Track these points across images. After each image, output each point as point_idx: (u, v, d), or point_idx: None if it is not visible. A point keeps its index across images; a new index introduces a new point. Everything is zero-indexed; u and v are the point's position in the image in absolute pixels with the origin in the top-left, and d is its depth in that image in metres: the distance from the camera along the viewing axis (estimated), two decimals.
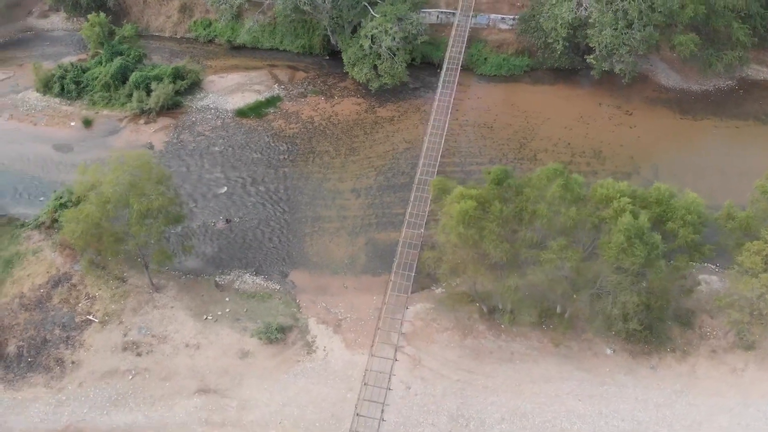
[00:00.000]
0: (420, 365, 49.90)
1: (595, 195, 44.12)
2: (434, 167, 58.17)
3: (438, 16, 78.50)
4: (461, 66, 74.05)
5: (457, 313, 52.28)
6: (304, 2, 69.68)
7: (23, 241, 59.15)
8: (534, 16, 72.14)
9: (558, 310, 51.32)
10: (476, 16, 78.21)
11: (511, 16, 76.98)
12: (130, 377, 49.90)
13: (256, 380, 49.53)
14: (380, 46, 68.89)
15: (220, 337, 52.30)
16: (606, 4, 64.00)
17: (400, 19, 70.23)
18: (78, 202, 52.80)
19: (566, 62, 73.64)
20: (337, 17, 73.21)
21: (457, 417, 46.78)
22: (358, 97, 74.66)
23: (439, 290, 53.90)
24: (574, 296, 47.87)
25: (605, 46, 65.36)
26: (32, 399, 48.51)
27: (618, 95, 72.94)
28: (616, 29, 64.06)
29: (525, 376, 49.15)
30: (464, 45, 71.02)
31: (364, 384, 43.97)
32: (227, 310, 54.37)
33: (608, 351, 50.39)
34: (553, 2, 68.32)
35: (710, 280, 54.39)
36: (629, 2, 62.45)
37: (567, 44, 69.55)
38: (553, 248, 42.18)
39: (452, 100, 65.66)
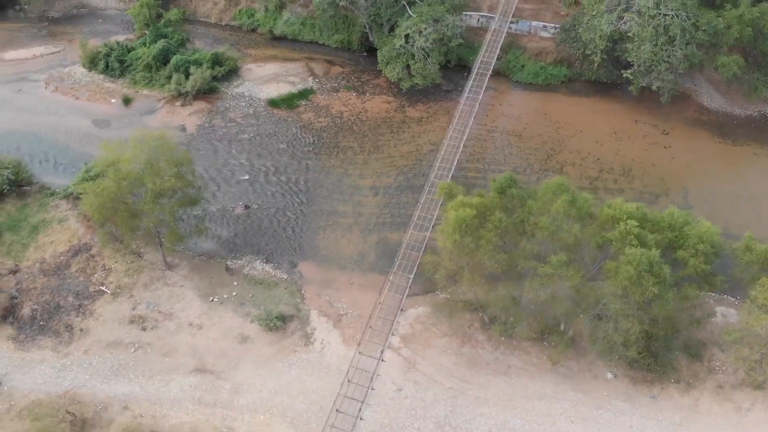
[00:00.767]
0: (414, 368, 49.63)
1: (602, 214, 42.79)
2: (449, 171, 57.66)
3: (479, 20, 77.65)
4: (496, 72, 73.37)
5: (458, 320, 51.73)
6: None
7: (51, 210, 61.67)
8: (575, 26, 70.53)
9: (561, 327, 50.17)
10: (517, 22, 77.10)
11: (553, 25, 75.54)
12: (133, 350, 51.40)
13: (252, 365, 50.27)
14: (413, 46, 68.66)
15: (223, 320, 53.30)
16: (648, 18, 61.97)
17: (436, 21, 69.86)
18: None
19: (604, 75, 71.74)
20: (375, 15, 73.37)
21: (444, 425, 46.32)
22: (389, 96, 74.68)
23: (442, 295, 53.47)
24: (580, 315, 46.76)
25: (643, 61, 63.36)
26: (39, 361, 50.57)
27: (656, 113, 70.65)
28: (656, 45, 61.97)
29: (519, 390, 48.26)
30: (498, 50, 70.04)
31: (348, 381, 44.02)
32: (234, 294, 55.36)
33: (609, 375, 48.95)
34: (594, 13, 66.60)
35: (728, 313, 52.11)
36: (671, 18, 60.31)
37: (605, 57, 67.72)
38: (552, 263, 41.21)
39: (477, 105, 64.82)
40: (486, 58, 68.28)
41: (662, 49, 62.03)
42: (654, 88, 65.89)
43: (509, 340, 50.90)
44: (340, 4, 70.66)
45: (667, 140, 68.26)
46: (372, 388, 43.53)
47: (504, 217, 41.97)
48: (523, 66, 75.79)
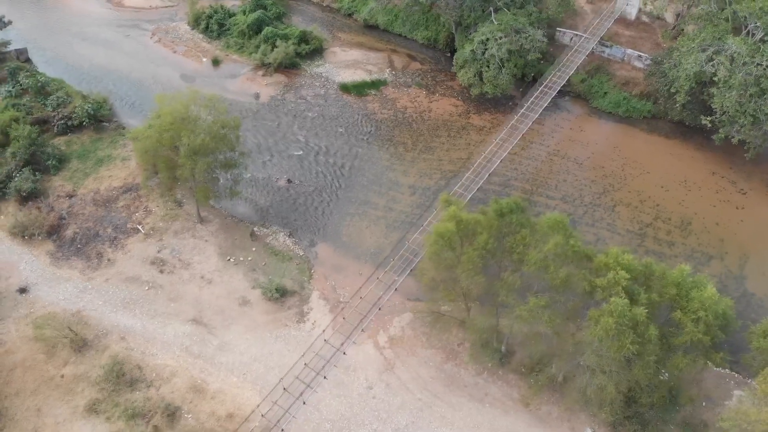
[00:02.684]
0: (391, 371, 49.24)
1: (596, 261, 39.79)
2: (476, 184, 56.03)
3: (572, 39, 74.39)
4: (577, 94, 70.38)
5: (448, 335, 50.59)
6: None
7: (119, 147, 67.19)
8: (664, 60, 65.64)
9: (553, 368, 47.55)
10: (611, 47, 73.08)
11: (649, 56, 70.73)
12: (146, 288, 55.09)
13: (243, 329, 52.22)
14: (485, 53, 67.16)
15: (232, 280, 55.68)
16: (740, 65, 56.38)
17: (517, 32, 67.74)
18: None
19: (688, 118, 66.21)
20: (460, 16, 72.46)
21: None
22: (457, 100, 73.67)
23: (444, 307, 52.38)
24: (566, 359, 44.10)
25: (727, 110, 57.83)
26: (66, 279, 55.61)
27: (738, 169, 64.31)
28: (743, 95, 56.30)
29: (488, 421, 46.42)
30: (572, 71, 66.79)
31: (305, 364, 44.57)
32: (249, 258, 57.61)
33: (588, 430, 45.84)
34: (684, 50, 61.53)
35: (745, 398, 46.83)
36: (765, 69, 54.46)
37: (690, 99, 62.47)
38: (530, 304, 39.05)
39: (529, 124, 62.25)
40: (556, 77, 65.35)
41: (750, 101, 56.20)
42: (735, 141, 59.99)
43: (496, 368, 49.06)
44: (427, 1, 70.31)
45: (741, 200, 62.00)
46: (325, 377, 43.76)
47: (492, 240, 40.19)
48: (605, 93, 71.75)
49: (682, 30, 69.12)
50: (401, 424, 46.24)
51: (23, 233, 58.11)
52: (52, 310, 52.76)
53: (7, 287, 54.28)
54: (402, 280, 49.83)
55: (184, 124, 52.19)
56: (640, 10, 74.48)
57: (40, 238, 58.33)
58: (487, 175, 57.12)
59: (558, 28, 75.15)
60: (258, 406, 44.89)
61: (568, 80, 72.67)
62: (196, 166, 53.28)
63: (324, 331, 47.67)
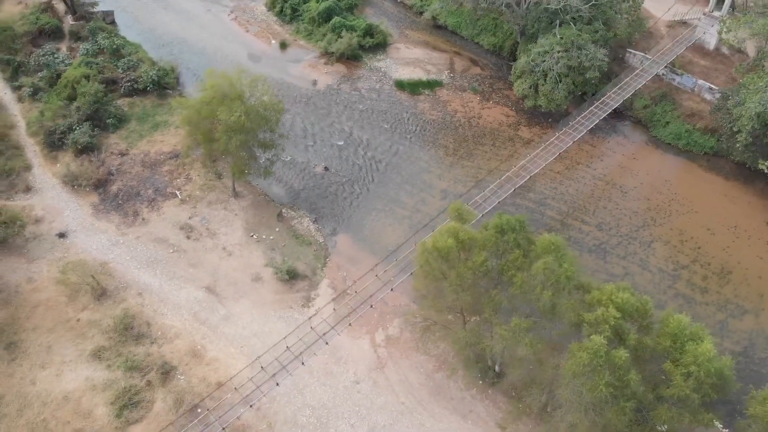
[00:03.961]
0: (380, 370, 49.35)
1: (590, 295, 38.07)
2: (498, 197, 54.73)
3: (642, 61, 71.06)
4: (637, 120, 67.62)
5: (446, 345, 50.01)
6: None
7: (175, 115, 70.33)
8: (731, 96, 61.53)
9: (543, 397, 46.09)
10: (682, 76, 69.29)
11: (720, 90, 66.49)
12: (171, 251, 57.77)
13: (250, 304, 53.80)
14: (540, 66, 65.42)
15: (251, 256, 57.43)
16: None
17: (579, 48, 65.45)
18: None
19: (750, 160, 61.80)
20: (524, 25, 70.85)
21: None
22: (510, 109, 72.20)
23: (450, 316, 51.83)
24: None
25: None
26: (102, 231, 59.21)
27: None
28: None
29: None
30: (629, 95, 63.87)
31: (286, 347, 45.39)
32: (271, 237, 59.19)
33: None
34: (751, 88, 57.43)
35: None
36: None
37: (752, 140, 58.32)
38: (511, 325, 37.96)
39: (570, 143, 60.05)
40: (609, 99, 62.65)
41: None
42: None
43: (487, 387, 48.13)
44: (491, 6, 69.20)
45: None
46: (303, 363, 44.43)
47: (488, 261, 39.28)
48: (668, 123, 68.14)
49: (762, 66, 64.50)
50: (378, 424, 46.31)
51: (73, 183, 62.34)
52: (83, 258, 56.30)
53: (48, 230, 58.49)
54: (399, 282, 49.63)
55: (225, 100, 54.09)
56: (720, 40, 70.04)
57: (87, 189, 62.37)
58: (513, 189, 55.73)
59: (629, 50, 72.01)
60: (231, 378, 46.23)
61: (631, 105, 69.86)
62: (230, 141, 55.22)
63: (310, 318, 48.33)
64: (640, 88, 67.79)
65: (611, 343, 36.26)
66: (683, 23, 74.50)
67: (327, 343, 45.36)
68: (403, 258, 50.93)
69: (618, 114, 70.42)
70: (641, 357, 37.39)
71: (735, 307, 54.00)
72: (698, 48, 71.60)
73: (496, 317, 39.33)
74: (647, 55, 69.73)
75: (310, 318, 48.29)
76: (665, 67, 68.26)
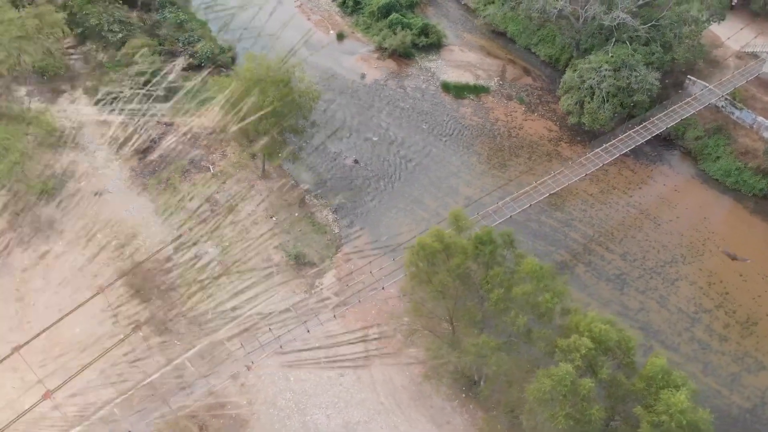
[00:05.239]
0: (366, 368, 49.43)
1: (570, 322, 36.61)
2: (511, 210, 53.42)
3: (700, 89, 67.39)
4: (687, 151, 64.68)
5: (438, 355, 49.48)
6: (556, 8, 66.40)
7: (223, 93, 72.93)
8: None
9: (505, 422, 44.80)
10: (741, 111, 65.30)
11: None
12: (194, 222, 60.04)
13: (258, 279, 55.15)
14: (585, 82, 63.31)
15: (266, 236, 58.79)
16: None
17: (630, 68, 62.78)
18: None
19: None
20: (578, 40, 68.70)
21: (349, 429, 45.96)
22: (554, 124, 70.28)
23: (445, 324, 51.25)
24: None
25: None
26: (135, 194, 62.07)
27: None
28: None
29: None
30: (673, 123, 60.81)
31: (268, 327, 46.17)
32: (290, 222, 60.37)
33: None
34: None
35: None
36: None
37: None
38: (481, 341, 37.05)
39: (599, 165, 57.78)
40: (652, 124, 59.78)
41: None
42: None
43: (469, 401, 47.32)
44: (543, 15, 67.47)
45: None
46: (281, 347, 45.12)
47: (464, 266, 38.53)
48: (718, 158, 64.36)
49: None
50: (353, 419, 46.50)
51: (118, 147, 65.84)
52: (111, 217, 59.53)
53: (87, 187, 62.06)
54: (393, 282, 49.53)
55: (260, 84, 55.51)
56: None
57: (129, 153, 65.73)
58: (528, 205, 54.34)
59: (689, 76, 68.44)
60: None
61: (683, 134, 66.58)
62: (260, 123, 56.65)
63: (294, 305, 49.06)
64: (694, 118, 64.51)
65: (583, 374, 34.95)
66: (754, 55, 70.09)
67: (308, 331, 45.89)
68: (401, 258, 50.69)
69: (667, 142, 67.25)
70: (614, 395, 35.74)
71: (753, 361, 50.59)
72: (765, 83, 67.20)
73: (468, 330, 38.60)
74: (706, 84, 66.02)
75: (293, 305, 49.00)
76: (723, 98, 64.48)
